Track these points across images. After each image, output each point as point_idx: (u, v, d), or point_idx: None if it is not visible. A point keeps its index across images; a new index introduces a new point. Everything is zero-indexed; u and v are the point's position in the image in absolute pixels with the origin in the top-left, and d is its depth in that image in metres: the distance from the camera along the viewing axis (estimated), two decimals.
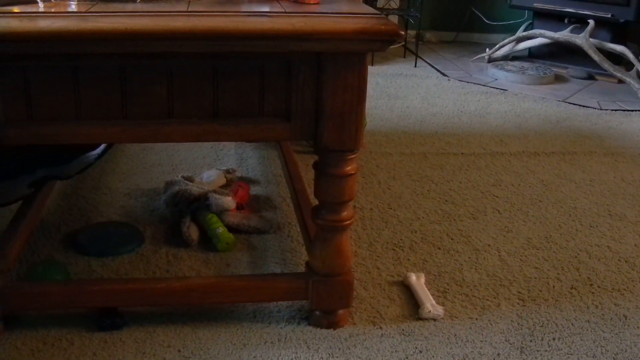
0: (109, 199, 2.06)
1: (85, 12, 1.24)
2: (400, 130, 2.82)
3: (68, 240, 1.80)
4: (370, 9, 1.38)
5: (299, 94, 1.30)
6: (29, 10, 1.25)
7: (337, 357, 1.41)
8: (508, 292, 1.68)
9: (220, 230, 1.79)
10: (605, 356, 1.46)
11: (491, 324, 1.55)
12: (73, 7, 1.30)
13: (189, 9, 1.30)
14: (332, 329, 1.49)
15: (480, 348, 1.47)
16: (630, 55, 3.52)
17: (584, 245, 1.93)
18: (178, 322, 1.49)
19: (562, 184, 2.35)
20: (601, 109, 3.27)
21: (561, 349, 1.47)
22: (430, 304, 1.56)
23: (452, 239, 1.92)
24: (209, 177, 2.11)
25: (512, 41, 4.02)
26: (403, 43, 4.27)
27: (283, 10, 1.32)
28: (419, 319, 1.55)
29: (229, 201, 1.87)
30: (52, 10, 1.26)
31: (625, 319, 1.60)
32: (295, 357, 1.40)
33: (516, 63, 3.96)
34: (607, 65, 3.55)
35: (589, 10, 3.77)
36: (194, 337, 1.45)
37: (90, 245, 1.75)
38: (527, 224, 2.04)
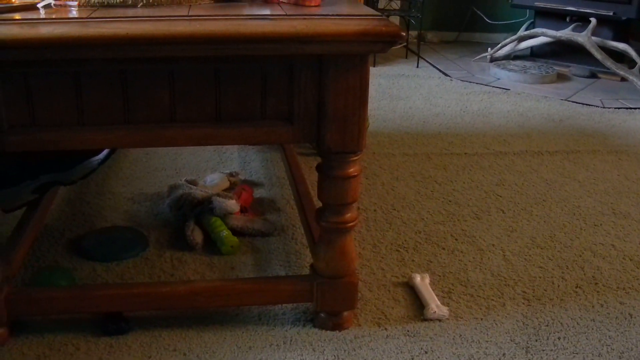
0: (113, 203, 2.06)
1: (86, 18, 1.25)
2: (403, 131, 2.81)
3: (72, 246, 1.80)
4: (371, 11, 1.38)
5: (301, 96, 1.30)
6: (30, 16, 1.25)
7: (342, 358, 1.41)
8: (513, 292, 1.67)
9: (224, 234, 1.79)
10: (610, 355, 1.46)
11: (496, 324, 1.55)
12: (74, 13, 1.30)
13: (190, 13, 1.30)
14: (337, 331, 1.49)
15: (486, 348, 1.46)
16: (632, 53, 3.52)
17: (588, 244, 1.92)
18: (183, 326, 1.49)
19: (566, 183, 2.34)
20: (604, 107, 3.27)
21: (567, 348, 1.47)
22: (435, 305, 1.56)
23: (456, 239, 1.92)
24: (213, 181, 2.11)
25: (514, 40, 4.02)
26: (405, 44, 4.27)
27: (284, 13, 1.33)
28: (424, 319, 1.55)
29: (232, 204, 1.87)
30: (53, 16, 1.26)
31: (631, 317, 1.59)
32: None
33: (518, 62, 3.96)
34: (609, 63, 3.55)
35: (591, 8, 3.76)
36: (199, 341, 1.45)
37: (94, 250, 1.75)
38: (531, 224, 2.03)
